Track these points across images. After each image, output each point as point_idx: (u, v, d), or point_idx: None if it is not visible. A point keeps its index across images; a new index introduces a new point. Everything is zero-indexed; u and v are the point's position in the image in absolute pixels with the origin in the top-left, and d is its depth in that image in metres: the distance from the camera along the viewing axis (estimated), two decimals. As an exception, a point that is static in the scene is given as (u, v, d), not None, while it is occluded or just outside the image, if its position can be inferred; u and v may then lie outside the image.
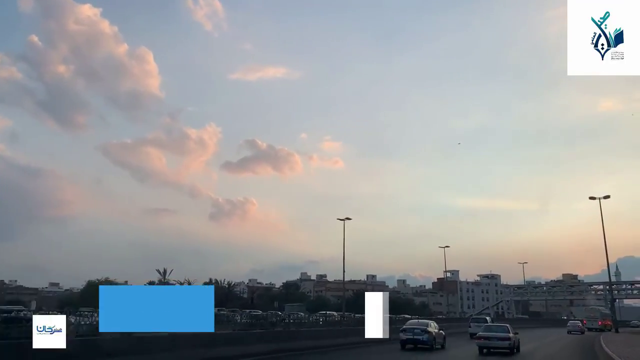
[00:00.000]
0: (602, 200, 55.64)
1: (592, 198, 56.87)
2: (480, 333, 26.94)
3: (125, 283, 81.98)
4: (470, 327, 43.16)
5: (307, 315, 43.14)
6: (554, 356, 27.74)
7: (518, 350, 26.71)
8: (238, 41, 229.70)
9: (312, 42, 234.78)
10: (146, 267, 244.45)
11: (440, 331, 28.93)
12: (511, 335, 25.95)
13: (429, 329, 27.46)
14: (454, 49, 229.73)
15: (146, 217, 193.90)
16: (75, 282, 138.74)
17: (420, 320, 31.84)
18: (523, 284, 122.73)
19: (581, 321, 70.36)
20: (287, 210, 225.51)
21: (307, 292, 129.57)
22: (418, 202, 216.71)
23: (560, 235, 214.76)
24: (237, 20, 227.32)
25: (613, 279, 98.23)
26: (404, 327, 27.84)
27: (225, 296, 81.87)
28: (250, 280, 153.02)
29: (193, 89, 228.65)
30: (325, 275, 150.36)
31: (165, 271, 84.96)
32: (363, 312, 21.19)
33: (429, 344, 26.78)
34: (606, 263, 58.07)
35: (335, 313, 56.15)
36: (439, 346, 27.98)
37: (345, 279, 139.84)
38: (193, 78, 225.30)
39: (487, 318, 49.62)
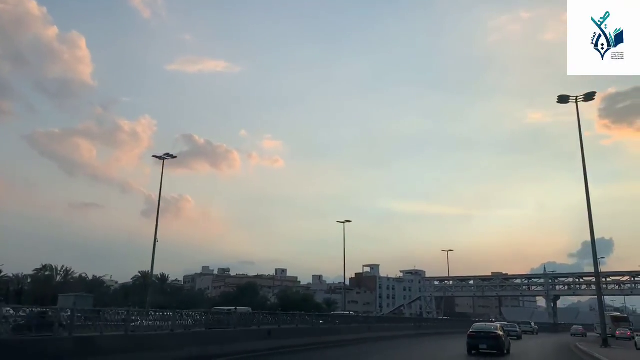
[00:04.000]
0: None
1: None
2: None
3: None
4: None
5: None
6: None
7: None
8: (177, 31, 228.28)
9: (254, 37, 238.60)
10: (71, 262, 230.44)
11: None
12: None
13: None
14: (394, 55, 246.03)
15: (73, 212, 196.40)
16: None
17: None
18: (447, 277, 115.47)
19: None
20: (224, 209, 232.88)
21: (205, 288, 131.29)
22: (356, 205, 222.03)
23: (489, 240, 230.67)
24: (177, 9, 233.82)
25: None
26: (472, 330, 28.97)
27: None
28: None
29: (128, 79, 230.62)
30: (228, 270, 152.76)
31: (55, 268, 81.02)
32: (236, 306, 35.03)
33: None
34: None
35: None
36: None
37: (252, 274, 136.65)
38: (128, 67, 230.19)
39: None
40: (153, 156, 53.00)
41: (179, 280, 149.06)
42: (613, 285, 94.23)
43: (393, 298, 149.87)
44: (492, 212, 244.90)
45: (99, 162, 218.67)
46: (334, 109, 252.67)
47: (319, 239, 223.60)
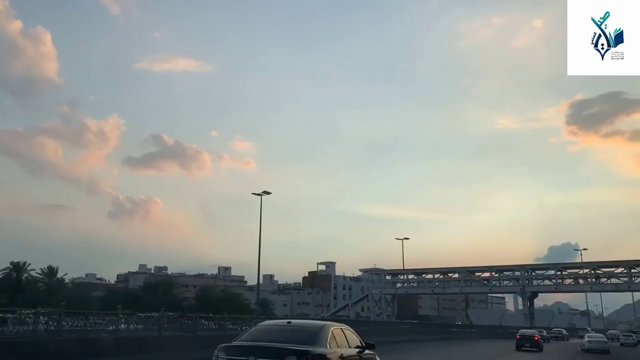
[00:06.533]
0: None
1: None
2: None
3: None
4: None
5: None
6: None
7: None
8: (147, 28, 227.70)
9: (226, 36, 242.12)
10: (36, 264, 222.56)
11: None
12: None
13: None
14: (366, 57, 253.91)
15: (38, 213, 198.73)
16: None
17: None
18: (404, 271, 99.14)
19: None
20: (194, 212, 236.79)
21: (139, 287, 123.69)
22: (328, 208, 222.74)
23: (457, 244, 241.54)
24: (147, 6, 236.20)
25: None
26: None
27: None
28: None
29: (95, 77, 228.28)
30: (165, 268, 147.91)
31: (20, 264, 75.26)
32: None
33: None
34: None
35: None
36: None
37: (194, 273, 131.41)
38: (96, 65, 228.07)
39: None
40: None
41: (107, 280, 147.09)
42: (608, 279, 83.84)
43: (350, 298, 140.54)
44: (461, 217, 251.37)
45: (65, 162, 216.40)
46: (306, 110, 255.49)
47: (290, 241, 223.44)
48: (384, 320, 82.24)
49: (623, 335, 67.22)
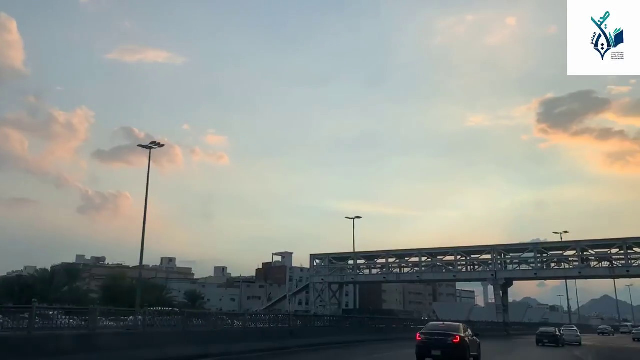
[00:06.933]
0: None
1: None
2: None
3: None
4: None
5: None
6: None
7: None
8: (117, 17, 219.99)
9: (199, 28, 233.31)
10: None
11: None
12: None
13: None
14: (338, 54, 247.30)
15: (1, 208, 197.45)
16: None
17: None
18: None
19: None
20: (166, 207, 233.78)
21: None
22: (302, 204, 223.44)
23: (428, 240, 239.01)
24: None
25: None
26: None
27: None
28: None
29: (63, 67, 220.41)
30: (104, 259, 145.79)
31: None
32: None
33: None
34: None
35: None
36: None
37: (135, 264, 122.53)
38: (64, 55, 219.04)
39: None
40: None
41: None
42: (599, 262, 71.58)
43: (320, 294, 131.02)
44: (431, 213, 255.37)
45: (32, 155, 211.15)
46: (280, 106, 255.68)
47: (262, 237, 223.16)
48: (309, 315, 61.04)
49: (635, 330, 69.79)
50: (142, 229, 42.80)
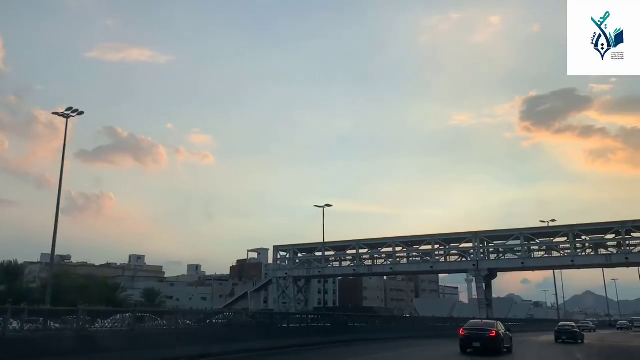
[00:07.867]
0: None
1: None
2: None
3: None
4: None
5: None
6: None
7: None
8: (99, 15, 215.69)
9: (183, 26, 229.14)
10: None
11: None
12: None
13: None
14: (324, 52, 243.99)
15: None
16: None
17: None
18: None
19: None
20: (150, 207, 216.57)
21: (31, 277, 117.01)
22: (286, 203, 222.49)
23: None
24: None
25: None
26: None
27: None
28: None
29: (45, 66, 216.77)
30: (69, 257, 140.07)
31: None
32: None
33: None
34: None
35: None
36: None
37: (101, 262, 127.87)
38: (45, 53, 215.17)
39: None
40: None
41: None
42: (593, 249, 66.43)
43: (284, 290, 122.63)
44: (417, 211, 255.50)
45: (12, 155, 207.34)
46: (265, 105, 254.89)
47: (246, 236, 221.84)
48: (274, 312, 52.24)
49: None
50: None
